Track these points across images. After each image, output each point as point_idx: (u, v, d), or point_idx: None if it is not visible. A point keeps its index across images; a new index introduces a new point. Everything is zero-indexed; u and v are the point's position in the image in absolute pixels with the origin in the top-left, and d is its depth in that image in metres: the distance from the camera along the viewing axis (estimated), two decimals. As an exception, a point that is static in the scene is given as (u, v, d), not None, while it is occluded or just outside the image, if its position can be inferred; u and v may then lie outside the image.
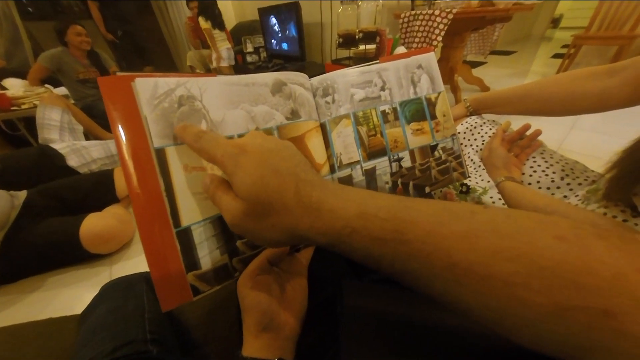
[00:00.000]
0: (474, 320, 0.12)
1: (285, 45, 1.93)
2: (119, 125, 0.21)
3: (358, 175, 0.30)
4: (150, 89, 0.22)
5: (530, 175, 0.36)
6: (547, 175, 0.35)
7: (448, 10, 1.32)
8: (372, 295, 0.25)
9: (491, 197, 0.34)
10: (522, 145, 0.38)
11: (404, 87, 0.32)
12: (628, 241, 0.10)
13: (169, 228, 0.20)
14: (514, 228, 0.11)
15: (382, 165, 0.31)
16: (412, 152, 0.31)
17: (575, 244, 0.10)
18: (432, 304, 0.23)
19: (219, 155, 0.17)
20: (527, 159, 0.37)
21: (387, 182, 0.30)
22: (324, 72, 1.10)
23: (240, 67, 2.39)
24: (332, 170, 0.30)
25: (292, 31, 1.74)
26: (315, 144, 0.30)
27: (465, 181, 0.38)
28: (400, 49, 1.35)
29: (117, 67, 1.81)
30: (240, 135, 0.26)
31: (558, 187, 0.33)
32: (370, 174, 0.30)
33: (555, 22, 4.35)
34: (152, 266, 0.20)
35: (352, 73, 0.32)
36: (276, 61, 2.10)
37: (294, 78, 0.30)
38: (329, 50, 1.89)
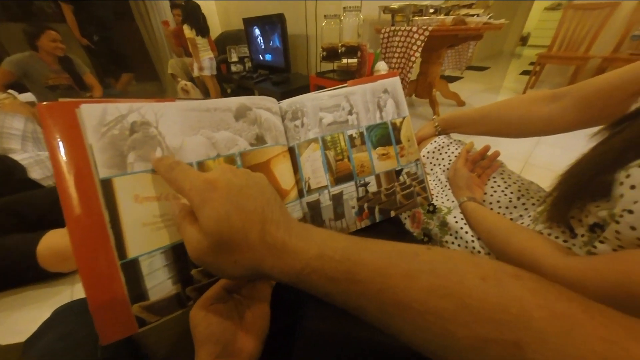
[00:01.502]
0: (415, 349, 0.13)
1: (270, 56, 1.94)
2: (59, 155, 0.20)
3: (326, 200, 0.30)
4: (98, 116, 0.21)
5: (491, 195, 0.37)
6: (505, 195, 0.36)
7: (425, 27, 1.40)
8: (334, 317, 0.24)
9: (454, 217, 0.35)
10: (484, 165, 0.40)
11: (370, 112, 0.33)
12: (537, 280, 0.12)
13: (113, 260, 0.19)
14: (448, 268, 0.13)
15: (349, 190, 0.31)
16: (378, 177, 0.31)
17: (494, 284, 0.12)
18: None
19: (187, 189, 0.17)
20: (489, 179, 0.39)
21: (353, 207, 0.30)
22: (308, 84, 1.12)
23: (225, 76, 2.37)
24: (301, 194, 0.30)
25: (277, 42, 1.76)
26: (282, 170, 0.29)
27: (433, 201, 0.39)
28: (381, 64, 1.40)
29: (92, 73, 1.73)
30: (199, 163, 0.25)
31: (515, 207, 0.35)
32: (337, 199, 0.30)
33: (523, 40, 4.72)
34: (91, 299, 0.18)
35: (321, 97, 0.32)
36: (261, 72, 2.10)
37: (260, 102, 0.30)
38: (315, 62, 1.92)
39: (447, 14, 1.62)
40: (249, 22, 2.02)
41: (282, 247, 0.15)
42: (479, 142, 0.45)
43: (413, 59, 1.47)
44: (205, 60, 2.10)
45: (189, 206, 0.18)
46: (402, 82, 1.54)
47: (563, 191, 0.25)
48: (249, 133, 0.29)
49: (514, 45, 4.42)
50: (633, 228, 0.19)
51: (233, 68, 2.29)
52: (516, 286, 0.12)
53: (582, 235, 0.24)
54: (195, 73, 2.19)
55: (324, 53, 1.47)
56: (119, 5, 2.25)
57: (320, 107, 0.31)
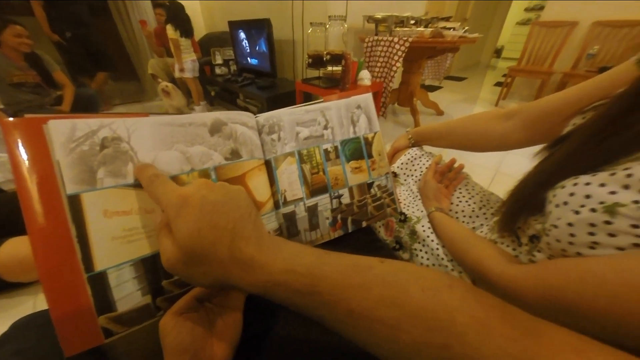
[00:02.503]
0: (369, 352, 0.15)
1: (256, 60, 1.93)
2: (23, 172, 0.19)
3: (301, 211, 0.31)
4: (67, 132, 0.21)
5: (457, 205, 0.40)
6: (469, 205, 0.40)
7: (405, 38, 1.47)
8: (304, 324, 0.25)
9: (423, 226, 0.38)
10: (450, 177, 0.43)
11: (344, 126, 0.35)
12: (468, 290, 0.14)
13: (79, 273, 0.20)
14: (396, 280, 0.15)
15: (323, 202, 0.32)
16: (351, 190, 0.33)
17: (431, 294, 0.14)
18: None
19: (164, 203, 0.18)
20: (455, 190, 0.42)
21: (327, 218, 0.32)
22: (294, 90, 1.13)
23: (209, 79, 2.33)
24: (277, 206, 0.31)
25: (263, 47, 1.76)
26: (258, 183, 0.30)
27: (405, 211, 0.41)
28: (365, 73, 1.44)
29: (63, 71, 1.64)
30: (173, 177, 0.25)
31: (477, 216, 0.38)
32: (312, 211, 0.32)
33: (498, 52, 5.04)
34: (54, 311, 0.19)
35: (298, 111, 0.33)
36: (247, 75, 2.08)
37: (236, 117, 0.31)
38: (301, 67, 1.94)
39: (426, 26, 1.71)
40: (235, 25, 2.00)
41: (250, 262, 0.16)
42: (449, 154, 0.48)
43: (395, 68, 1.53)
44: (188, 62, 2.05)
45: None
46: (384, 91, 1.59)
47: (510, 205, 0.28)
48: (224, 147, 0.29)
49: (490, 57, 4.72)
50: (558, 241, 0.22)
51: (217, 70, 2.26)
52: (448, 295, 0.14)
53: (526, 245, 0.27)
54: (177, 74, 2.13)
55: (310, 60, 1.49)
56: (95, 2, 2.15)
57: (297, 121, 0.33)
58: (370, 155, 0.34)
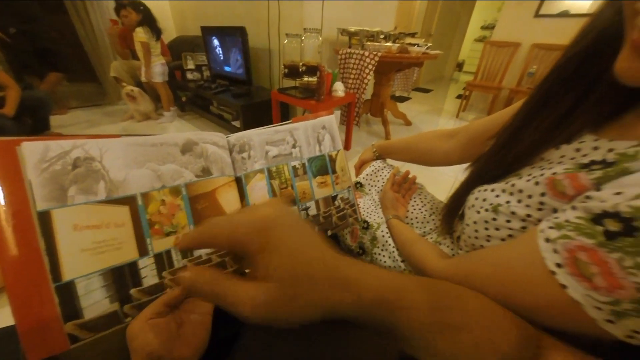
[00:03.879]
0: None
1: (231, 68, 1.91)
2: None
3: None
4: (40, 153, 0.22)
5: (412, 212, 0.46)
6: (421, 212, 0.46)
7: (375, 52, 1.58)
8: (270, 333, 0.28)
9: (382, 232, 0.43)
10: (406, 188, 0.49)
11: (311, 145, 0.38)
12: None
13: (46, 283, 0.21)
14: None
15: None
16: (317, 202, 0.37)
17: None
18: (326, 340, 0.28)
19: (242, 234, 0.15)
20: (410, 199, 0.48)
21: None
22: (270, 99, 1.16)
23: (179, 84, 2.24)
24: None
25: (238, 55, 1.75)
26: (228, 198, 0.32)
27: (368, 219, 0.46)
28: (339, 84, 1.52)
29: (6, 70, 1.47)
30: (143, 194, 0.26)
31: (428, 222, 0.44)
32: None
33: (459, 66, 5.55)
34: (19, 318, 0.20)
35: (268, 131, 0.36)
36: (221, 82, 2.04)
37: (207, 137, 0.33)
38: (277, 76, 1.96)
39: (394, 41, 1.85)
40: (208, 31, 1.97)
41: (351, 281, 0.15)
42: (411, 167, 0.54)
43: (366, 80, 1.64)
44: (157, 66, 1.97)
45: (213, 269, 0.16)
46: (357, 102, 1.68)
47: (444, 212, 0.34)
48: (195, 165, 0.31)
49: (452, 71, 5.20)
50: (469, 237, 0.27)
51: (189, 76, 2.19)
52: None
53: (457, 242, 0.32)
54: (144, 78, 2.03)
55: (286, 70, 1.53)
56: (46, -3, 1.97)
57: (266, 141, 0.36)
58: (334, 171, 0.38)
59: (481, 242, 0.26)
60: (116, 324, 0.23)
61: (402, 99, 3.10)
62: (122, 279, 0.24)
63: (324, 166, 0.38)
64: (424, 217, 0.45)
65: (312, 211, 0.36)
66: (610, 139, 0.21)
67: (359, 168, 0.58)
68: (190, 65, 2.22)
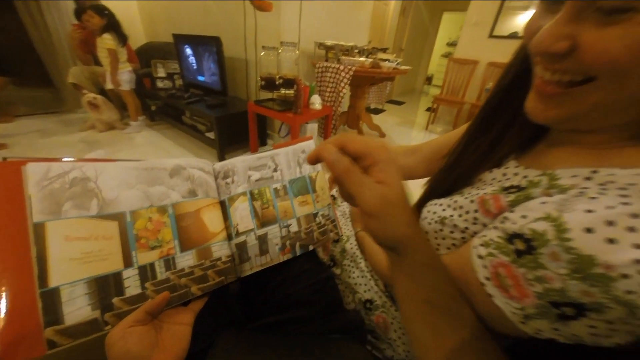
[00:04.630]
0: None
1: (205, 77, 1.89)
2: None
3: (252, 240, 0.37)
4: (42, 172, 0.25)
5: None
6: None
7: (350, 67, 1.69)
8: (242, 344, 0.30)
9: (351, 244, 0.46)
10: None
11: (292, 168, 0.42)
12: None
13: (33, 288, 0.23)
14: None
15: (273, 231, 0.38)
16: (298, 220, 0.41)
17: None
18: (295, 350, 0.30)
19: (375, 146, 0.21)
20: None
21: (277, 244, 0.38)
22: (246, 110, 1.18)
23: (148, 92, 2.15)
24: (230, 238, 0.36)
25: (213, 65, 1.75)
26: (211, 217, 0.35)
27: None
28: (316, 97, 1.59)
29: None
30: (132, 212, 0.29)
31: None
32: (262, 239, 0.38)
33: (429, 80, 6.03)
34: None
35: (251, 158, 0.40)
36: (194, 91, 2.01)
37: (195, 164, 0.36)
38: (254, 87, 1.98)
39: (367, 56, 1.99)
40: (181, 39, 1.94)
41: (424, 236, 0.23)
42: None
43: (342, 94, 1.74)
44: (124, 74, 1.89)
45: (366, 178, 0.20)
46: (334, 114, 1.76)
47: None
48: (182, 187, 0.34)
49: (422, 84, 5.63)
50: None
51: (159, 84, 2.12)
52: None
53: None
54: (109, 85, 1.93)
55: (262, 82, 1.56)
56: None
57: (249, 166, 0.39)
58: (314, 190, 0.43)
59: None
60: (96, 331, 0.25)
61: (377, 111, 3.29)
62: (105, 287, 0.26)
63: (304, 186, 0.42)
64: None
65: (294, 228, 0.40)
66: (526, 167, 0.27)
67: (333, 180, 0.63)
68: (161, 73, 2.15)
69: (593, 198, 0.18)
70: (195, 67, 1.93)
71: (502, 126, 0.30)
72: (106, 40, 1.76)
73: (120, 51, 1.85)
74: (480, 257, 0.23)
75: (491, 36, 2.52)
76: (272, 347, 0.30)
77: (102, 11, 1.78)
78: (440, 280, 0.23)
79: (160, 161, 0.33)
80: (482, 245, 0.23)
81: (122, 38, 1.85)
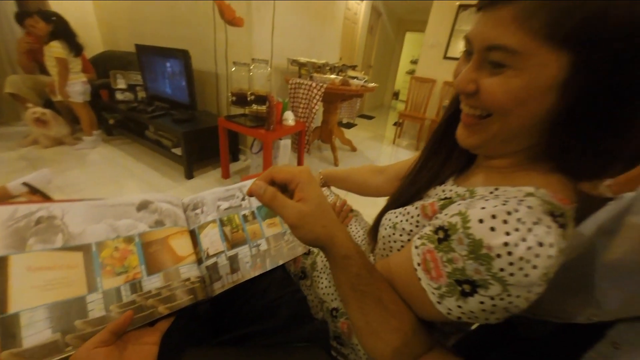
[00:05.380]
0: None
1: (171, 90, 1.84)
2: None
3: (222, 260, 0.40)
4: (9, 213, 0.27)
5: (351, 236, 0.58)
6: (358, 235, 0.58)
7: (321, 84, 1.80)
8: (206, 359, 0.32)
9: (321, 257, 0.50)
10: (343, 216, 0.62)
11: None
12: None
13: None
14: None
15: (243, 251, 0.42)
16: (267, 239, 0.44)
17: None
18: (257, 359, 0.34)
19: (298, 172, 0.28)
20: (349, 224, 0.60)
21: (247, 262, 0.41)
22: (216, 125, 1.20)
23: (106, 104, 2.04)
24: (200, 262, 0.38)
25: (181, 78, 1.72)
26: (179, 243, 0.37)
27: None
28: (289, 114, 1.65)
29: None
30: (98, 243, 0.31)
31: (363, 243, 0.57)
32: (232, 259, 0.41)
33: (396, 95, 6.54)
34: None
35: (219, 190, 0.44)
36: (160, 104, 1.94)
37: (162, 198, 0.38)
38: (225, 102, 1.97)
39: (338, 73, 2.13)
40: (144, 50, 1.88)
41: (346, 231, 0.29)
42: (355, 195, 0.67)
43: (314, 110, 1.83)
44: (77, 85, 1.78)
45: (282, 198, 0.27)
46: (307, 130, 1.83)
47: (368, 232, 0.46)
48: (150, 219, 0.36)
49: (390, 99, 6.08)
50: (380, 249, 0.38)
51: (119, 96, 2.02)
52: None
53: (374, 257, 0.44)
54: (58, 97, 1.79)
55: (233, 98, 1.57)
56: None
57: (218, 197, 0.43)
58: None
59: (387, 253, 0.37)
60: (57, 353, 0.26)
61: (349, 125, 3.48)
62: (67, 311, 0.27)
63: (271, 211, 0.46)
64: (358, 241, 0.57)
65: (263, 246, 0.44)
66: (458, 185, 0.34)
67: None
68: (121, 84, 2.06)
69: (487, 200, 0.26)
70: (161, 79, 1.88)
71: (447, 150, 0.38)
72: (54, 48, 1.66)
73: (72, 60, 1.75)
74: (416, 247, 0.29)
75: (445, 57, 2.84)
76: (236, 359, 0.33)
77: (49, 17, 1.68)
78: (359, 268, 0.28)
79: (127, 197, 0.35)
80: (418, 238, 0.29)
81: (76, 47, 1.75)
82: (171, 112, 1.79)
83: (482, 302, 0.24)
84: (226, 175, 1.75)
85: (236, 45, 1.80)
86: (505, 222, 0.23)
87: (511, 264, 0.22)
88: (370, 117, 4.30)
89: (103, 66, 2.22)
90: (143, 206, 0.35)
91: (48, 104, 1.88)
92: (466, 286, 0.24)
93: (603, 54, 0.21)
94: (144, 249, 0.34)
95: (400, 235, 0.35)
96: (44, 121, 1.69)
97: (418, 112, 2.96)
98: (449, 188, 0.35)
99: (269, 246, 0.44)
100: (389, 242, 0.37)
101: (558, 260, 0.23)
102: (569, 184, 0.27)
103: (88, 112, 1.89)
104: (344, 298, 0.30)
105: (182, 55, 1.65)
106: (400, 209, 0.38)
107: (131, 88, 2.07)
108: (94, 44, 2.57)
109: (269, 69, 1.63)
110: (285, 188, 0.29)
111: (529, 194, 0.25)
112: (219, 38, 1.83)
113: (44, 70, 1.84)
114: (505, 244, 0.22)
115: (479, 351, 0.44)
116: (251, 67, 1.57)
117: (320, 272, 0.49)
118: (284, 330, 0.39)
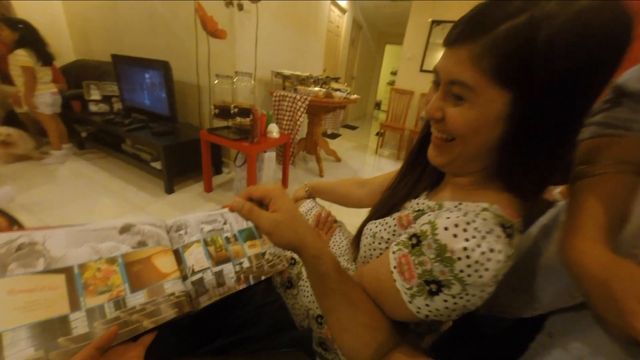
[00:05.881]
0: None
1: (150, 102, 1.82)
2: None
3: (209, 276, 0.41)
4: None
5: (333, 247, 0.61)
6: (341, 244, 0.61)
7: (305, 96, 1.86)
8: None
9: None
10: (327, 226, 0.65)
11: (239, 222, 0.49)
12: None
13: None
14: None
15: (228, 267, 0.44)
16: (249, 258, 0.47)
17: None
18: None
19: (271, 189, 0.33)
20: (333, 235, 0.64)
21: (232, 277, 0.43)
22: (198, 138, 1.21)
23: (78, 116, 1.96)
24: (185, 278, 0.39)
25: (161, 90, 1.71)
26: (163, 261, 0.38)
27: (293, 255, 0.57)
28: (273, 126, 1.67)
29: None
30: (81, 265, 0.32)
31: (347, 252, 0.60)
32: (218, 274, 0.42)
33: (378, 105, 6.79)
34: None
35: (202, 215, 0.46)
36: (137, 116, 1.89)
37: (145, 220, 0.39)
38: (208, 114, 1.95)
39: (322, 86, 2.21)
40: (121, 61, 1.85)
41: (318, 235, 0.30)
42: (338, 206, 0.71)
43: (299, 122, 1.88)
44: (46, 96, 1.71)
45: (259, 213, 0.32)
46: (292, 142, 1.87)
47: (351, 242, 0.50)
48: (132, 240, 0.37)
49: (372, 109, 6.31)
50: (361, 257, 0.42)
51: (93, 107, 1.96)
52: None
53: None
54: (24, 108, 1.71)
55: (216, 110, 1.58)
56: None
57: (201, 221, 0.45)
58: (260, 237, 0.50)
59: (368, 260, 0.41)
60: None
61: (334, 136, 3.57)
62: (50, 329, 0.28)
63: (252, 234, 0.49)
64: (342, 250, 0.60)
65: (246, 264, 0.46)
66: (429, 199, 0.39)
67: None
68: (95, 95, 2.00)
69: (451, 212, 0.30)
70: (139, 90, 1.85)
71: (421, 168, 0.43)
72: (19, 57, 1.59)
73: (40, 70, 1.68)
74: (393, 252, 0.33)
75: (422, 70, 3.02)
76: None
77: (15, 24, 1.62)
78: (328, 268, 0.32)
79: (109, 221, 0.36)
80: (395, 245, 0.33)
81: (45, 57, 1.69)
82: (150, 125, 1.75)
83: (445, 300, 0.28)
84: (209, 188, 1.73)
85: (219, 57, 1.81)
86: (465, 230, 0.27)
87: (469, 266, 0.26)
88: (354, 127, 4.44)
89: (75, 76, 2.16)
90: (125, 229, 0.37)
91: (10, 115, 1.78)
92: (433, 286, 0.28)
93: (534, 94, 0.26)
94: (127, 268, 0.35)
95: (379, 243, 0.39)
96: (9, 143, 1.60)
97: (398, 122, 3.11)
98: (422, 201, 0.40)
99: (251, 264, 0.46)
100: (370, 250, 0.41)
101: (506, 264, 0.27)
102: (517, 200, 0.32)
103: (57, 125, 1.81)
104: (317, 298, 0.34)
105: (163, 67, 1.64)
106: (380, 220, 0.42)
107: (106, 99, 2.02)
108: (65, 52, 2.49)
109: (253, 82, 1.64)
110: (261, 203, 0.34)
111: (485, 209, 0.30)
112: (202, 50, 1.84)
113: (7, 80, 1.75)
114: (465, 249, 0.26)
115: (448, 349, 0.48)
116: (234, 80, 1.59)
117: (306, 281, 0.52)
118: (267, 338, 0.42)
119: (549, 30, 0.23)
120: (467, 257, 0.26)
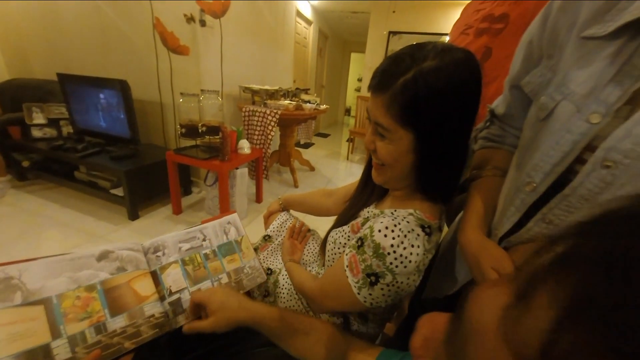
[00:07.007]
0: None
1: (107, 123, 1.73)
2: None
3: (186, 296, 0.45)
4: None
5: (306, 255, 0.67)
6: (314, 252, 0.68)
7: (276, 110, 1.92)
8: None
9: (283, 275, 0.59)
10: (302, 236, 0.72)
11: (219, 236, 0.54)
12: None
13: None
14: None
15: (206, 285, 0.48)
16: (228, 273, 0.51)
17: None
18: None
19: (206, 298, 0.41)
20: (307, 243, 0.70)
21: None
22: (164, 159, 1.20)
23: (18, 144, 1.79)
24: (163, 299, 0.43)
25: (119, 111, 1.65)
26: (142, 284, 0.42)
27: (270, 266, 0.63)
28: (244, 142, 1.70)
29: None
30: (59, 295, 0.35)
31: (318, 257, 0.66)
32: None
33: (348, 112, 7.07)
34: None
35: (180, 234, 0.50)
36: (92, 140, 1.80)
37: (123, 246, 0.43)
38: (174, 133, 1.91)
39: (292, 98, 2.30)
40: (69, 80, 1.75)
41: (250, 308, 0.41)
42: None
43: (270, 136, 1.93)
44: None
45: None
46: (264, 156, 1.92)
47: (320, 248, 0.57)
48: (111, 267, 0.40)
49: (343, 116, 6.59)
50: (327, 261, 0.51)
51: (37, 133, 1.81)
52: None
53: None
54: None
55: (183, 130, 1.56)
56: None
57: (179, 240, 0.49)
58: (240, 250, 0.55)
59: (331, 264, 0.49)
60: None
61: (307, 145, 3.68)
62: (34, 357, 0.30)
63: (231, 248, 0.54)
64: (314, 257, 0.67)
65: (224, 280, 0.50)
66: (375, 208, 0.49)
67: (268, 218, 0.78)
68: (39, 119, 1.86)
69: (385, 217, 0.40)
70: (93, 112, 1.76)
71: (372, 184, 0.52)
72: None
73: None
74: (346, 254, 0.42)
75: None
76: None
77: None
78: (270, 325, 0.40)
79: (86, 250, 0.39)
80: (348, 247, 0.43)
81: None
82: (108, 148, 1.68)
83: (382, 289, 0.37)
84: (177, 211, 1.69)
85: (183, 74, 1.80)
86: (392, 231, 0.37)
87: (396, 259, 0.35)
88: (326, 135, 4.60)
89: (11, 98, 1.97)
90: (103, 256, 0.40)
91: None
92: (372, 277, 0.37)
93: (426, 131, 0.37)
94: (106, 295, 0.38)
95: (339, 248, 0.49)
96: None
97: (366, 128, 3.28)
98: (370, 210, 0.50)
99: (229, 279, 0.51)
100: (332, 254, 0.50)
101: (425, 256, 0.37)
102: (436, 206, 0.43)
103: (-7, 155, 1.66)
104: (275, 342, 0.42)
105: (120, 86, 1.58)
106: (339, 228, 0.51)
107: (53, 123, 1.89)
108: (-2, 72, 2.28)
109: (220, 99, 1.64)
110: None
111: (410, 214, 0.40)
112: (163, 66, 1.81)
113: None
114: (392, 245, 0.36)
115: (409, 333, 0.57)
116: (201, 98, 1.58)
117: (282, 288, 0.57)
118: (244, 341, 0.47)
119: (426, 84, 0.34)
120: (394, 252, 0.36)
